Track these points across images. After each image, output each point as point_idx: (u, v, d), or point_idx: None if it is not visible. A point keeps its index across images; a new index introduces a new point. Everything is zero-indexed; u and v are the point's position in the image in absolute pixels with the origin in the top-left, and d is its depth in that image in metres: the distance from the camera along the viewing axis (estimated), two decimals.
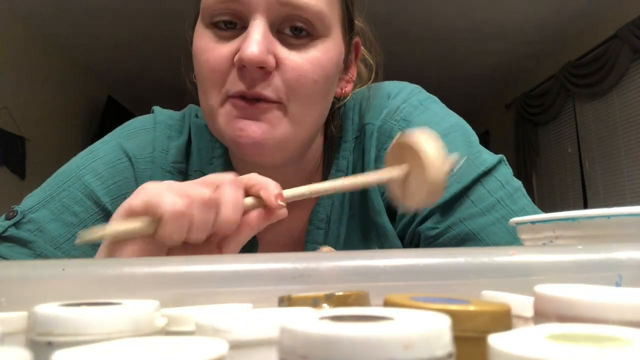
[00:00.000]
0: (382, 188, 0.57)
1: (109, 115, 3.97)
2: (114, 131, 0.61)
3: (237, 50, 0.47)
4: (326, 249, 0.45)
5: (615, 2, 3.08)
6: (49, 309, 0.19)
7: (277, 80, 0.48)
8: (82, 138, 3.93)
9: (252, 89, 0.47)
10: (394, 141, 0.43)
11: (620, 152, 3.19)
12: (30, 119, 3.18)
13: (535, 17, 3.25)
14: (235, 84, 0.47)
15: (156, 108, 0.63)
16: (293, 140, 0.50)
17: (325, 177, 0.59)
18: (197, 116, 0.62)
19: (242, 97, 0.48)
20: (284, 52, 0.48)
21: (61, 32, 3.33)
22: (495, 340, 0.15)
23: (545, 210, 0.45)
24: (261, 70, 0.47)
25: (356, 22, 0.57)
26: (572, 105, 3.67)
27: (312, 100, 0.50)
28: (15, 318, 0.24)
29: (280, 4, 0.46)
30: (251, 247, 0.60)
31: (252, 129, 0.48)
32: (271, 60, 0.47)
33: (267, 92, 0.47)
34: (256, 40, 0.45)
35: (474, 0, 3.03)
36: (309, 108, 0.50)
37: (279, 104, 0.48)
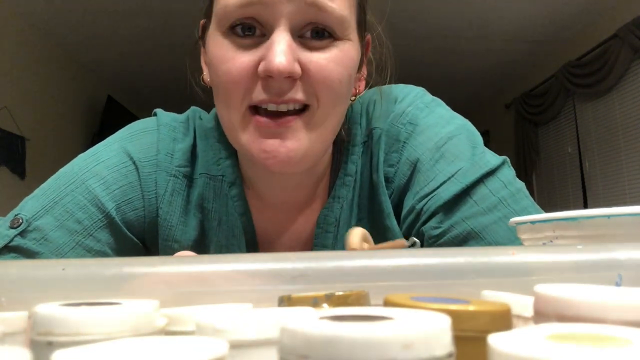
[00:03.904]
0: (390, 190, 0.57)
1: (109, 115, 3.97)
2: (116, 134, 0.60)
3: (260, 60, 0.46)
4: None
5: (615, 2, 3.08)
6: (49, 309, 0.19)
7: (304, 85, 0.48)
8: (82, 138, 3.93)
9: (282, 97, 0.47)
10: None
11: (620, 152, 3.19)
12: (30, 119, 3.18)
13: (535, 17, 3.25)
14: (260, 95, 0.47)
15: (159, 110, 0.62)
16: (318, 146, 0.50)
17: (333, 181, 0.59)
18: (200, 118, 0.62)
19: (262, 111, 0.48)
20: (307, 56, 0.47)
21: (61, 32, 3.33)
22: (495, 340, 0.15)
23: (545, 210, 0.45)
24: (288, 79, 0.46)
25: (368, 16, 0.57)
26: (572, 105, 3.67)
27: (337, 101, 0.50)
28: (15, 318, 0.24)
29: (307, 4, 0.46)
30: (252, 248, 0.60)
31: (279, 150, 0.48)
32: (297, 68, 0.46)
33: (299, 96, 0.47)
34: (282, 50, 0.45)
35: (474, 0, 3.03)
36: (333, 109, 0.50)
37: (303, 112, 0.48)
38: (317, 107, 0.49)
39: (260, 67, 0.46)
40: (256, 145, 0.48)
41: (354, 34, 0.51)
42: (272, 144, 0.48)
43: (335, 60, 0.48)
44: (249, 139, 0.49)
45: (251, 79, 0.47)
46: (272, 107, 0.47)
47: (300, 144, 0.48)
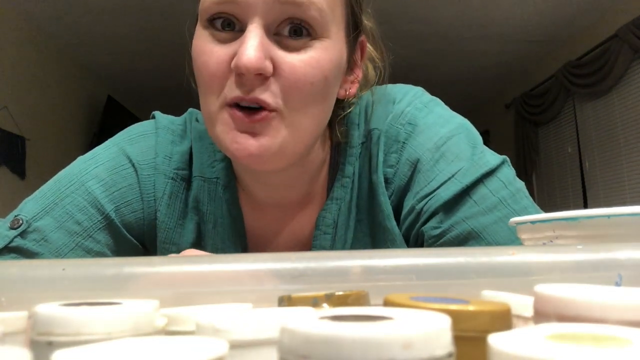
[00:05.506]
0: (389, 191, 0.57)
1: (109, 115, 3.97)
2: (115, 137, 0.61)
3: (235, 54, 0.46)
4: None
5: (615, 2, 3.08)
6: (49, 309, 0.19)
7: (274, 85, 0.47)
8: (82, 138, 3.93)
9: (250, 94, 0.46)
10: None
11: (620, 152, 3.19)
12: (30, 119, 3.18)
13: (535, 17, 3.25)
14: (232, 90, 0.47)
15: (157, 113, 0.63)
16: (292, 146, 0.50)
17: (331, 183, 0.59)
18: (197, 120, 0.62)
19: (239, 106, 0.48)
20: (281, 56, 0.47)
21: (61, 32, 3.33)
22: (495, 340, 0.15)
23: (545, 210, 0.45)
24: (259, 76, 0.46)
25: (365, 22, 0.56)
26: (572, 105, 3.67)
27: (310, 103, 0.49)
28: (15, 318, 0.24)
29: (281, 3, 0.45)
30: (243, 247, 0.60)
31: (249, 143, 0.47)
32: (268, 66, 0.46)
33: (265, 96, 0.47)
34: (253, 46, 0.45)
35: (474, 0, 3.03)
36: (307, 111, 0.49)
37: (276, 111, 0.48)
38: (287, 109, 0.48)
39: (233, 63, 0.46)
40: (229, 137, 0.48)
41: (336, 33, 0.50)
42: (244, 137, 0.48)
43: (311, 62, 0.47)
44: (223, 129, 0.49)
45: (226, 73, 0.47)
46: (244, 102, 0.47)
47: (273, 141, 0.48)
